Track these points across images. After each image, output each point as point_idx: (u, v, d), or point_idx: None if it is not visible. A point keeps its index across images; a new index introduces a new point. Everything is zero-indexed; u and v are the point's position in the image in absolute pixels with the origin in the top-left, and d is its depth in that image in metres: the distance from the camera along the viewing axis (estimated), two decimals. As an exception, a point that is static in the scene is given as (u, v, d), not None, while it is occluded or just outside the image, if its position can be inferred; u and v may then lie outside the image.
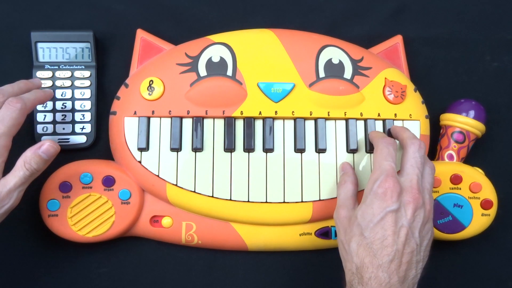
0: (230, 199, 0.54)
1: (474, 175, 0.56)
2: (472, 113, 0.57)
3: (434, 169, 0.50)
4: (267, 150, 0.55)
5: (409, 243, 0.45)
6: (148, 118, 0.55)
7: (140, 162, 0.54)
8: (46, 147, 0.47)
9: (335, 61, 0.57)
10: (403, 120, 0.57)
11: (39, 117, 0.57)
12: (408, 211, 0.45)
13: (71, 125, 0.57)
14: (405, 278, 0.44)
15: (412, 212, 0.45)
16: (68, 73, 0.57)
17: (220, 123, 0.55)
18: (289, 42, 0.57)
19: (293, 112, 0.55)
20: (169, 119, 0.55)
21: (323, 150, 0.55)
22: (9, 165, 0.47)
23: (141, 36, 0.58)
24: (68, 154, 0.56)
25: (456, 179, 0.56)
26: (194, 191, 0.54)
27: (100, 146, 0.58)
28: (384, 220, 0.45)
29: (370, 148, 0.56)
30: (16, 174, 0.46)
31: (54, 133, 0.57)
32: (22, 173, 0.46)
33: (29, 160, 0.46)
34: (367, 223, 0.45)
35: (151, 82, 0.55)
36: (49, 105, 0.57)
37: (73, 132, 0.57)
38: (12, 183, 0.46)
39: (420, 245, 0.45)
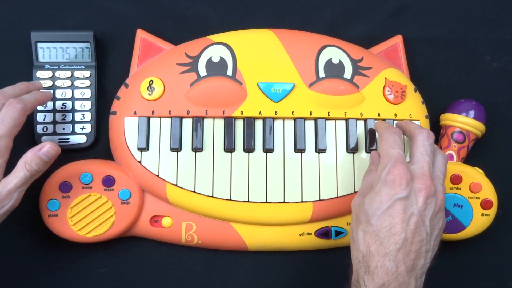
0: (230, 199, 0.54)
1: (474, 175, 0.56)
2: (472, 113, 0.57)
3: (447, 159, 0.49)
4: (267, 150, 0.55)
5: (419, 232, 0.44)
6: (148, 118, 0.55)
7: (140, 162, 0.54)
8: (46, 149, 0.47)
9: (335, 61, 0.57)
10: (403, 120, 0.57)
11: (39, 117, 0.57)
12: (419, 199, 0.44)
13: (71, 125, 0.57)
14: (413, 267, 0.43)
15: (424, 199, 0.44)
16: (68, 73, 0.57)
17: (220, 123, 0.55)
18: (289, 42, 0.57)
19: (293, 112, 0.55)
20: (169, 119, 0.55)
21: (323, 150, 0.55)
22: (10, 166, 0.47)
23: (141, 36, 0.58)
24: (68, 154, 0.56)
25: (456, 179, 0.56)
26: (194, 191, 0.54)
27: (100, 146, 0.58)
28: (393, 208, 0.44)
29: (370, 148, 0.56)
30: (17, 175, 0.46)
31: (54, 133, 0.57)
32: (23, 174, 0.46)
33: (30, 161, 0.47)
34: (374, 210, 0.44)
35: (151, 82, 0.55)
36: (49, 105, 0.57)
37: (73, 132, 0.57)
38: (12, 183, 0.46)
39: (430, 234, 0.45)
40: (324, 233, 0.56)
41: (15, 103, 0.47)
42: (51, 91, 0.56)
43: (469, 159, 0.58)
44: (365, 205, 0.46)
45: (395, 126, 0.55)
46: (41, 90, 0.55)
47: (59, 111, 0.57)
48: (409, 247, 0.43)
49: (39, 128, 0.56)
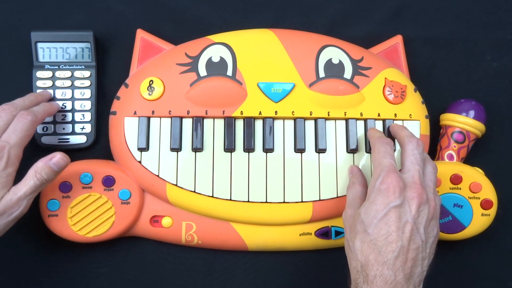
0: (230, 199, 0.54)
1: (474, 175, 0.56)
2: (472, 113, 0.57)
3: (436, 168, 0.50)
4: (267, 150, 0.55)
5: (414, 239, 0.44)
6: (148, 118, 0.55)
7: (140, 162, 0.54)
8: (57, 159, 0.48)
9: (335, 61, 0.57)
10: (403, 120, 0.57)
11: (39, 117, 0.57)
12: (412, 207, 0.45)
13: (71, 125, 0.57)
14: (411, 275, 0.44)
15: (417, 207, 0.45)
16: (68, 73, 0.57)
17: (220, 123, 0.55)
18: (289, 42, 0.57)
19: (293, 112, 0.55)
20: (169, 119, 0.55)
21: (323, 150, 0.55)
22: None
23: (141, 36, 0.58)
24: (68, 154, 0.56)
25: (456, 179, 0.56)
26: (194, 191, 0.54)
27: (100, 146, 0.58)
28: (388, 216, 0.44)
29: (370, 148, 0.56)
30: (27, 183, 0.47)
31: (54, 133, 0.57)
32: (33, 183, 0.47)
33: (40, 170, 0.47)
34: (371, 219, 0.45)
35: (151, 82, 0.55)
36: (49, 105, 0.57)
37: (73, 132, 0.57)
38: (22, 191, 0.47)
39: (425, 241, 0.45)
40: (324, 233, 0.56)
41: (25, 115, 0.49)
42: (58, 103, 0.57)
43: (469, 159, 0.58)
44: (361, 215, 0.46)
45: (390, 126, 0.55)
46: (48, 102, 0.56)
47: (59, 111, 0.57)
48: (405, 255, 0.44)
49: (39, 128, 0.56)
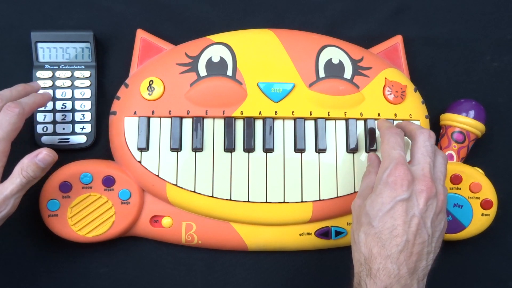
0: (230, 199, 0.54)
1: (474, 175, 0.56)
2: (472, 113, 0.57)
3: (447, 159, 0.49)
4: (267, 150, 0.55)
5: (421, 234, 0.44)
6: (148, 118, 0.55)
7: (140, 162, 0.54)
8: (43, 155, 0.46)
9: (335, 61, 0.57)
10: (403, 120, 0.57)
11: (39, 117, 0.57)
12: (421, 200, 0.44)
13: (71, 125, 0.57)
14: (415, 270, 0.43)
15: (425, 201, 0.44)
16: (68, 73, 0.57)
17: (220, 123, 0.55)
18: (289, 42, 0.57)
19: (293, 112, 0.55)
20: (169, 119, 0.55)
21: (323, 150, 0.55)
22: (8, 168, 0.47)
23: (141, 36, 0.58)
24: (68, 154, 0.56)
25: (456, 179, 0.56)
26: (194, 191, 0.54)
27: (100, 146, 0.58)
28: (394, 210, 0.44)
29: (370, 148, 0.56)
30: (13, 181, 0.46)
31: (54, 133, 0.57)
32: (19, 180, 0.46)
33: (26, 167, 0.46)
34: (376, 212, 0.44)
35: (151, 82, 0.55)
36: (49, 105, 0.57)
37: (73, 132, 0.57)
38: (9, 190, 0.46)
39: (432, 235, 0.44)
40: (324, 233, 0.56)
41: (12, 107, 0.47)
42: (50, 92, 0.56)
43: (469, 159, 0.58)
44: (367, 206, 0.45)
45: (397, 124, 0.55)
46: (40, 91, 0.54)
47: (59, 111, 0.57)
48: (410, 249, 0.43)
49: (39, 128, 0.56)
